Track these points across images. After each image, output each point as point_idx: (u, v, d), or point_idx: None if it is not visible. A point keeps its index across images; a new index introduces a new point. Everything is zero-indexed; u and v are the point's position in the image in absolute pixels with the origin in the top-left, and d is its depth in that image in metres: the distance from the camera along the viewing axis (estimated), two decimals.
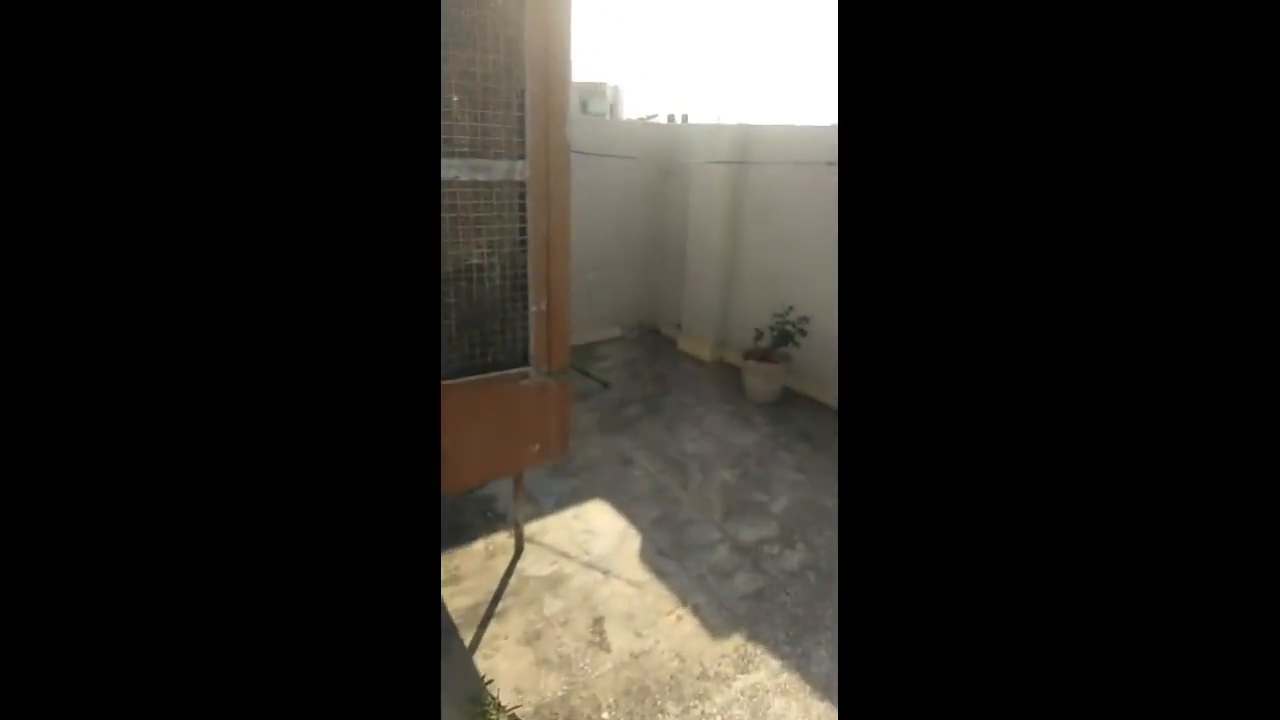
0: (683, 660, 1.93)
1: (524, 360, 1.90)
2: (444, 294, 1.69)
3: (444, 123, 1.53)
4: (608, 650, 1.95)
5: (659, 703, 1.78)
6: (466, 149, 1.58)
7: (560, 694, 1.79)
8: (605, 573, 2.29)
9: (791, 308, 3.76)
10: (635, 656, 1.93)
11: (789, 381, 3.96)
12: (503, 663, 1.88)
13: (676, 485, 2.90)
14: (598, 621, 2.06)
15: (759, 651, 1.97)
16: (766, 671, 1.90)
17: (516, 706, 1.74)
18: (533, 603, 2.12)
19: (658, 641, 1.99)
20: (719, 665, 1.91)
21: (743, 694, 1.82)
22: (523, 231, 1.75)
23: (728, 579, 2.30)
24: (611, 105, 7.64)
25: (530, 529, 2.49)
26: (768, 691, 1.83)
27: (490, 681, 1.80)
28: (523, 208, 1.73)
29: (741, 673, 1.89)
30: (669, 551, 2.43)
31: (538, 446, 2.05)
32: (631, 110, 7.46)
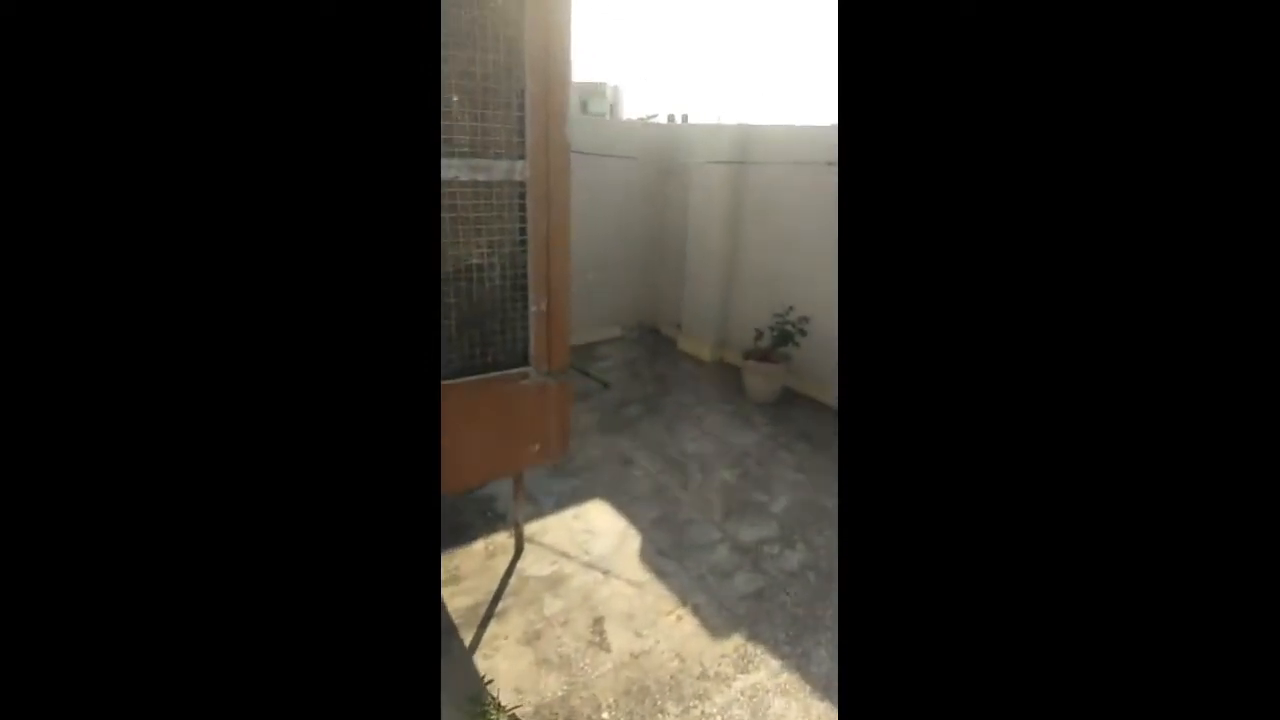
0: (683, 660, 1.93)
1: (524, 360, 1.90)
2: (444, 294, 1.69)
3: (444, 123, 1.53)
4: (608, 650, 1.95)
5: (659, 703, 1.78)
6: (466, 149, 1.58)
7: (560, 694, 1.79)
8: (605, 573, 2.29)
9: (791, 308, 3.76)
10: (635, 656, 1.93)
11: (789, 381, 3.96)
12: (503, 663, 1.88)
13: (676, 485, 2.90)
14: (598, 621, 2.06)
15: (759, 651, 1.97)
16: (766, 671, 1.90)
17: (516, 706, 1.74)
18: (533, 603, 2.12)
19: (658, 641, 1.99)
20: (719, 665, 1.91)
21: (743, 694, 1.82)
22: (523, 231, 1.75)
23: (728, 579, 2.30)
24: (612, 105, 7.64)
25: (530, 529, 2.49)
26: (768, 691, 1.83)
27: (490, 681, 1.80)
28: (523, 208, 1.73)
29: (741, 673, 1.89)
30: (669, 551, 2.43)
31: (538, 446, 2.05)
32: (632, 110, 7.46)
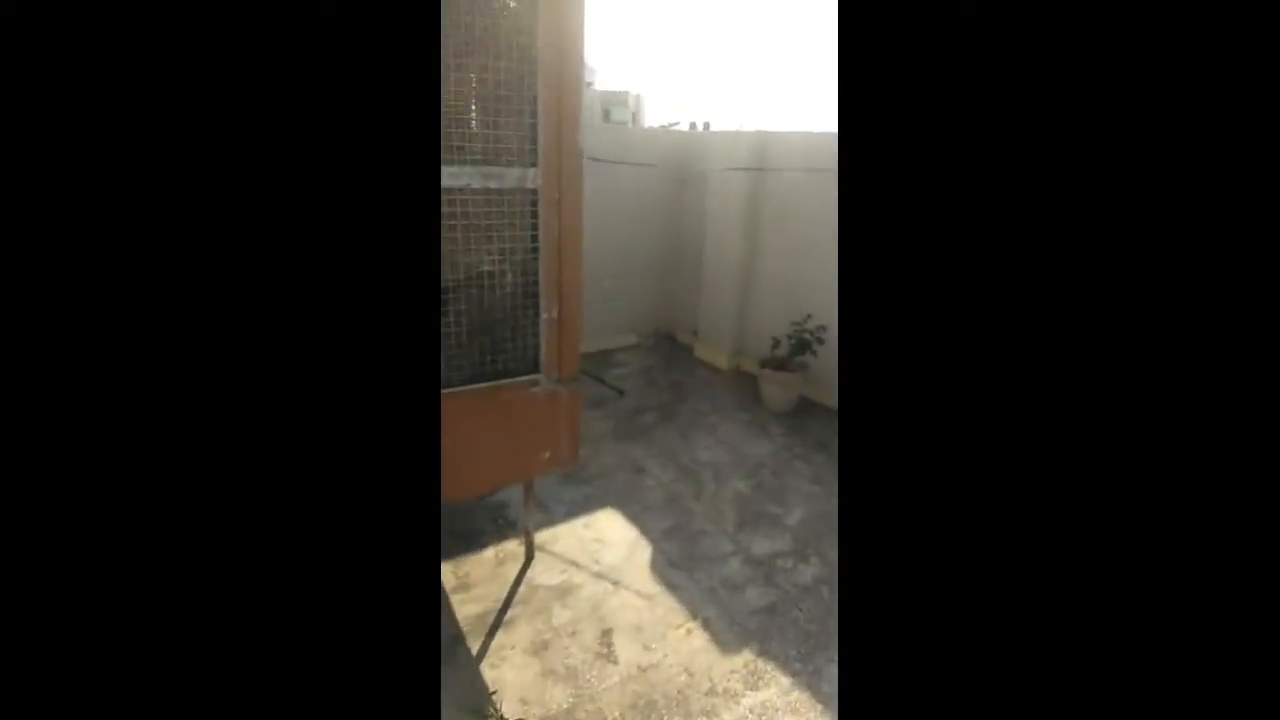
0: (691, 675, 1.89)
1: (535, 367, 1.89)
2: (456, 301, 1.70)
3: (457, 130, 1.54)
4: (615, 663, 1.93)
5: (666, 718, 1.75)
6: (479, 156, 1.58)
7: (566, 706, 1.77)
8: (615, 583, 2.27)
9: (809, 316, 3.71)
10: (643, 670, 1.90)
11: (806, 391, 3.90)
12: (509, 672, 1.87)
13: (689, 495, 2.87)
14: (606, 633, 2.04)
15: (769, 668, 1.93)
16: (777, 689, 1.86)
17: (521, 718, 1.72)
18: (541, 612, 2.11)
19: (666, 655, 1.96)
20: (728, 681, 1.88)
21: (752, 711, 1.78)
22: (534, 239, 1.74)
23: (739, 592, 2.26)
24: (634, 113, 7.66)
25: (541, 537, 2.48)
26: (777, 709, 1.79)
27: (494, 692, 1.79)
28: (534, 215, 1.73)
29: (751, 689, 1.85)
30: (680, 563, 2.40)
31: (548, 454, 2.04)
32: (654, 118, 7.46)
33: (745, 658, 1.96)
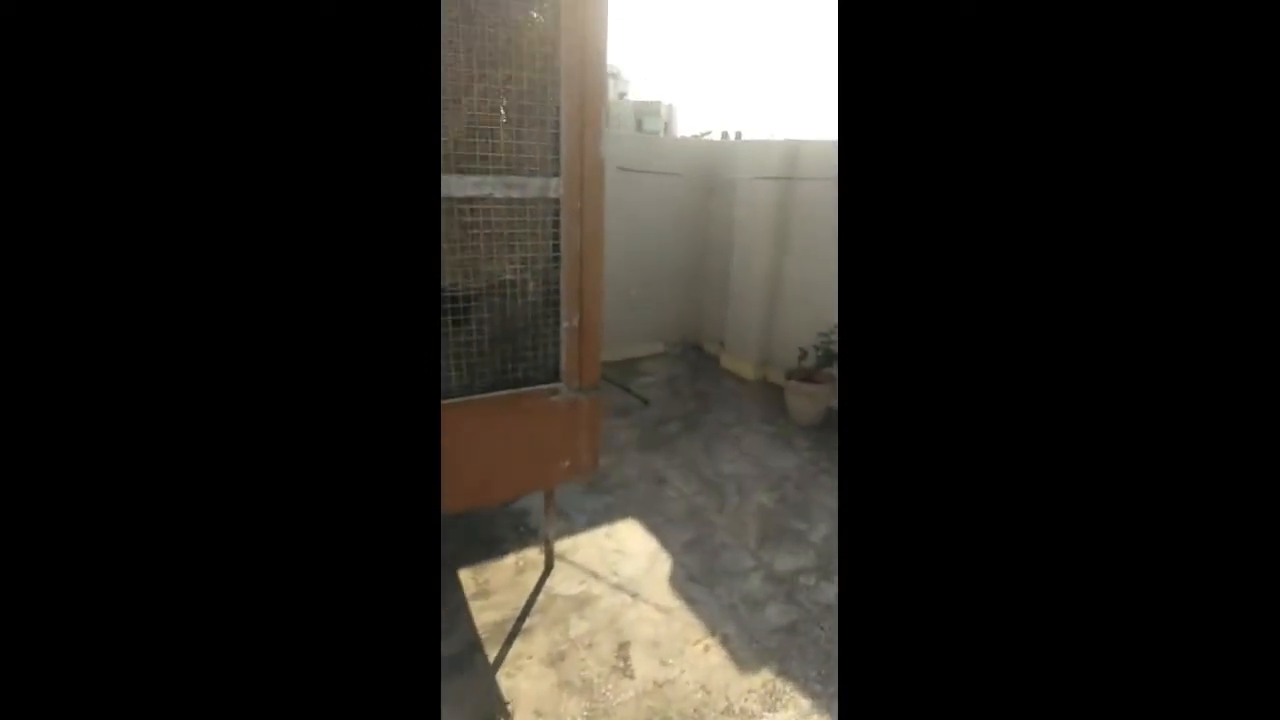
0: (708, 693, 1.85)
1: (555, 376, 1.89)
2: (478, 309, 1.71)
3: (480, 140, 1.55)
4: (631, 677, 1.90)
5: None
6: (502, 166, 1.60)
7: (580, 719, 1.75)
8: (634, 596, 2.24)
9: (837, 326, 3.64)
10: (659, 685, 1.87)
11: (833, 403, 3.82)
12: (525, 682, 1.86)
13: (712, 508, 2.83)
14: (623, 646, 2.01)
15: (788, 689, 1.87)
16: (795, 711, 1.80)
17: None
18: (559, 622, 2.10)
19: (683, 671, 1.93)
20: (745, 701, 1.83)
21: None
22: (556, 248, 1.75)
23: (760, 610, 2.21)
24: (666, 123, 7.68)
25: (561, 546, 2.47)
26: None
27: (509, 703, 1.78)
28: (556, 224, 1.73)
29: (769, 710, 1.80)
30: (700, 577, 2.36)
31: (568, 463, 2.03)
32: (687, 128, 7.48)
33: (764, 677, 1.91)
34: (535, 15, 1.51)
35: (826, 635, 2.09)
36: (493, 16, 1.46)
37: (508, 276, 1.72)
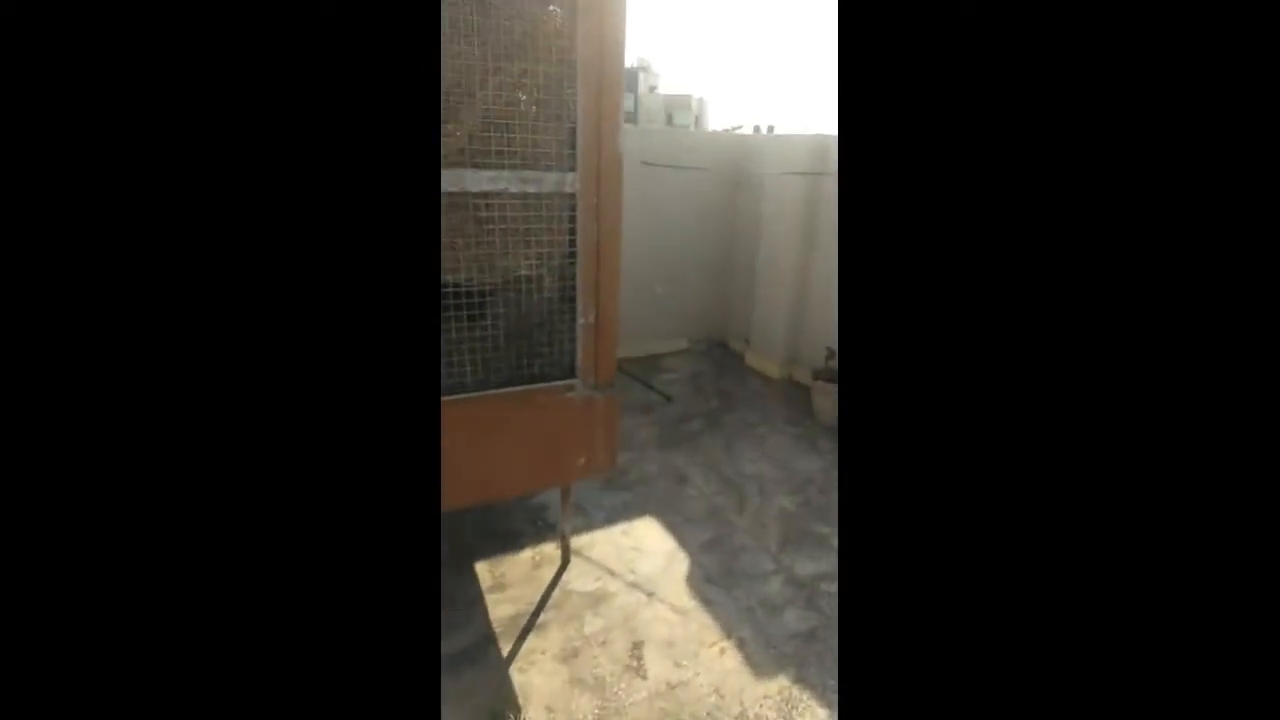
0: (721, 697, 1.82)
1: (571, 373, 1.88)
2: (493, 305, 1.71)
3: (495, 134, 1.54)
4: (644, 677, 1.88)
5: None
6: (517, 160, 1.59)
7: (591, 718, 1.74)
8: (649, 595, 2.23)
9: None
10: (672, 687, 1.85)
11: None
12: (537, 678, 1.86)
13: (732, 508, 2.79)
14: (637, 646, 2.00)
15: (805, 697, 1.83)
16: None
17: None
18: (573, 619, 2.09)
19: (697, 674, 1.90)
20: (759, 707, 1.79)
21: None
22: (572, 244, 1.73)
23: (778, 614, 2.16)
24: (697, 117, 7.61)
25: (578, 542, 2.47)
26: None
27: (520, 699, 1.78)
28: (573, 219, 1.71)
29: (784, 718, 1.76)
30: (717, 579, 2.33)
31: (583, 459, 2.02)
32: (718, 122, 7.39)
33: (780, 684, 1.88)
34: (552, 8, 1.49)
35: None
36: (508, 9, 1.45)
37: (523, 272, 1.72)
